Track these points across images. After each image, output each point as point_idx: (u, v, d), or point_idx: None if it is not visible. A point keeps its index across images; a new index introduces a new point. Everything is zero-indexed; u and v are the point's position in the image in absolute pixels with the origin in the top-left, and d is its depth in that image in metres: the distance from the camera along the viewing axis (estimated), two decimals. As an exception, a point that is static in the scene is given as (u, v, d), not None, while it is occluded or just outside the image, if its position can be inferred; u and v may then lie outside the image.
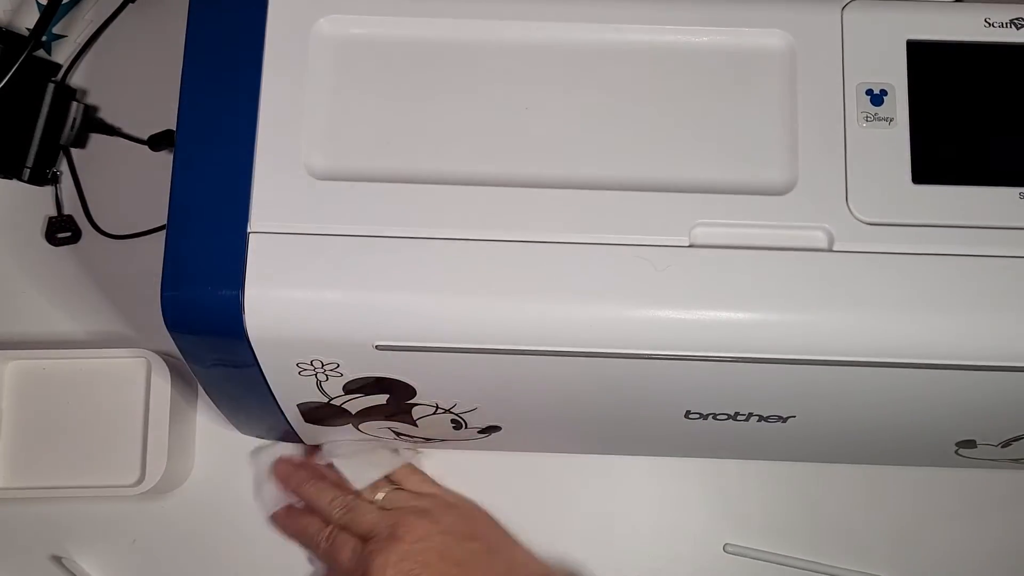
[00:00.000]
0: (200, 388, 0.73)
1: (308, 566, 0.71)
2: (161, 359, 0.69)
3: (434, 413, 0.61)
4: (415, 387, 0.57)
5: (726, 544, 0.71)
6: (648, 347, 0.51)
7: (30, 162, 0.73)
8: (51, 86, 0.73)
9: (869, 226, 0.51)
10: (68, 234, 0.75)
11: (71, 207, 0.75)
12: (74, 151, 0.76)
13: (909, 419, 0.59)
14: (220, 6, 0.53)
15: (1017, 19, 0.54)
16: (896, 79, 0.53)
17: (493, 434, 0.65)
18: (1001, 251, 0.51)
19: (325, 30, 0.54)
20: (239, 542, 0.72)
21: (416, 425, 0.63)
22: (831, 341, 0.51)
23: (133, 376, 0.70)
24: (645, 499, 0.72)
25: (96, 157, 0.76)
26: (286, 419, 0.63)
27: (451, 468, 0.72)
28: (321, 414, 0.61)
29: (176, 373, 0.69)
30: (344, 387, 0.57)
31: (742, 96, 0.53)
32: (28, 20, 0.76)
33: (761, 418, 0.59)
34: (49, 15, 0.70)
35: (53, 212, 0.75)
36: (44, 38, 0.76)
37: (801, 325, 0.50)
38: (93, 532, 0.72)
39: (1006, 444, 0.62)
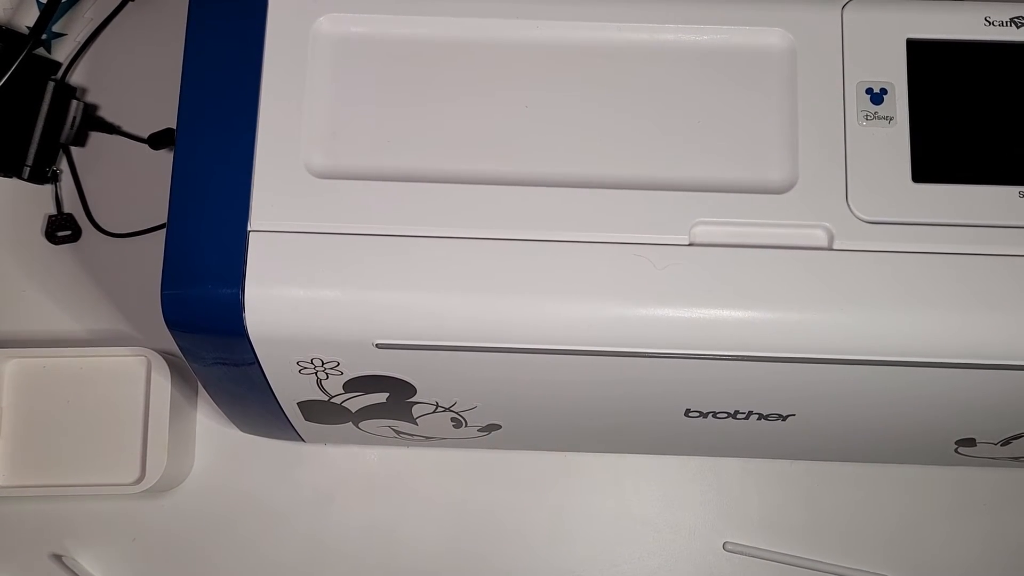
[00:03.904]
0: (200, 386, 0.73)
1: (308, 565, 0.71)
2: (161, 357, 0.69)
3: (434, 411, 0.61)
4: (415, 385, 0.57)
5: (726, 542, 0.72)
6: (648, 345, 0.51)
7: (30, 160, 0.73)
8: (51, 84, 0.73)
9: (869, 225, 0.51)
10: (68, 232, 0.75)
11: (71, 205, 0.75)
12: (74, 149, 0.76)
13: (909, 418, 0.59)
14: (220, 4, 0.53)
15: (1017, 17, 0.54)
16: (896, 78, 0.53)
17: (493, 432, 0.65)
18: (1001, 250, 0.51)
19: (325, 28, 0.54)
20: (239, 541, 0.72)
21: (416, 423, 0.63)
22: (831, 340, 0.51)
23: (133, 374, 0.70)
24: (645, 498, 0.72)
25: (96, 155, 0.76)
26: (286, 417, 0.63)
27: (451, 467, 0.72)
28: (321, 412, 0.62)
29: (176, 371, 0.69)
30: (344, 385, 0.57)
31: (742, 95, 0.53)
32: (28, 18, 0.76)
33: (761, 416, 0.59)
34: (49, 13, 0.70)
35: (53, 210, 0.75)
36: (44, 36, 0.76)
37: (801, 324, 0.50)
38: (93, 530, 0.72)
39: (1006, 442, 0.62)
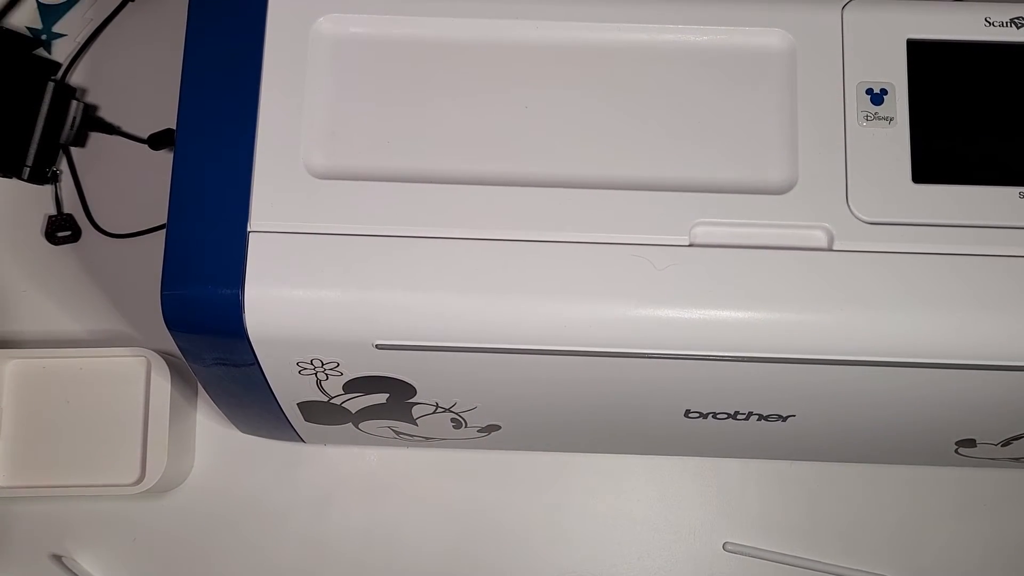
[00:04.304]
0: (200, 387, 0.73)
1: (308, 565, 0.71)
2: (161, 358, 0.69)
3: (434, 412, 0.61)
4: (415, 386, 0.57)
5: (725, 543, 0.71)
6: (648, 346, 0.51)
7: (30, 161, 0.73)
8: (51, 85, 0.73)
9: (869, 225, 0.51)
10: (68, 233, 0.75)
11: (71, 206, 0.75)
12: (74, 150, 0.76)
13: (909, 418, 0.59)
14: (220, 4, 0.53)
15: (1017, 18, 0.54)
16: (896, 78, 0.53)
17: (493, 433, 0.65)
18: (1001, 250, 0.51)
19: (325, 29, 0.53)
20: (239, 541, 0.72)
21: (416, 424, 0.63)
22: (831, 341, 0.51)
23: (133, 375, 0.70)
24: (645, 498, 0.72)
25: (96, 156, 0.76)
26: (286, 418, 0.63)
27: (451, 468, 0.72)
28: (321, 413, 0.61)
29: (176, 372, 0.69)
30: (344, 386, 0.57)
31: (742, 95, 0.53)
32: (28, 18, 0.76)
33: (761, 417, 0.59)
34: (49, 14, 0.70)
35: (53, 211, 0.75)
36: (44, 36, 0.76)
37: (801, 325, 0.50)
38: (93, 531, 0.72)
39: (1006, 443, 0.62)
